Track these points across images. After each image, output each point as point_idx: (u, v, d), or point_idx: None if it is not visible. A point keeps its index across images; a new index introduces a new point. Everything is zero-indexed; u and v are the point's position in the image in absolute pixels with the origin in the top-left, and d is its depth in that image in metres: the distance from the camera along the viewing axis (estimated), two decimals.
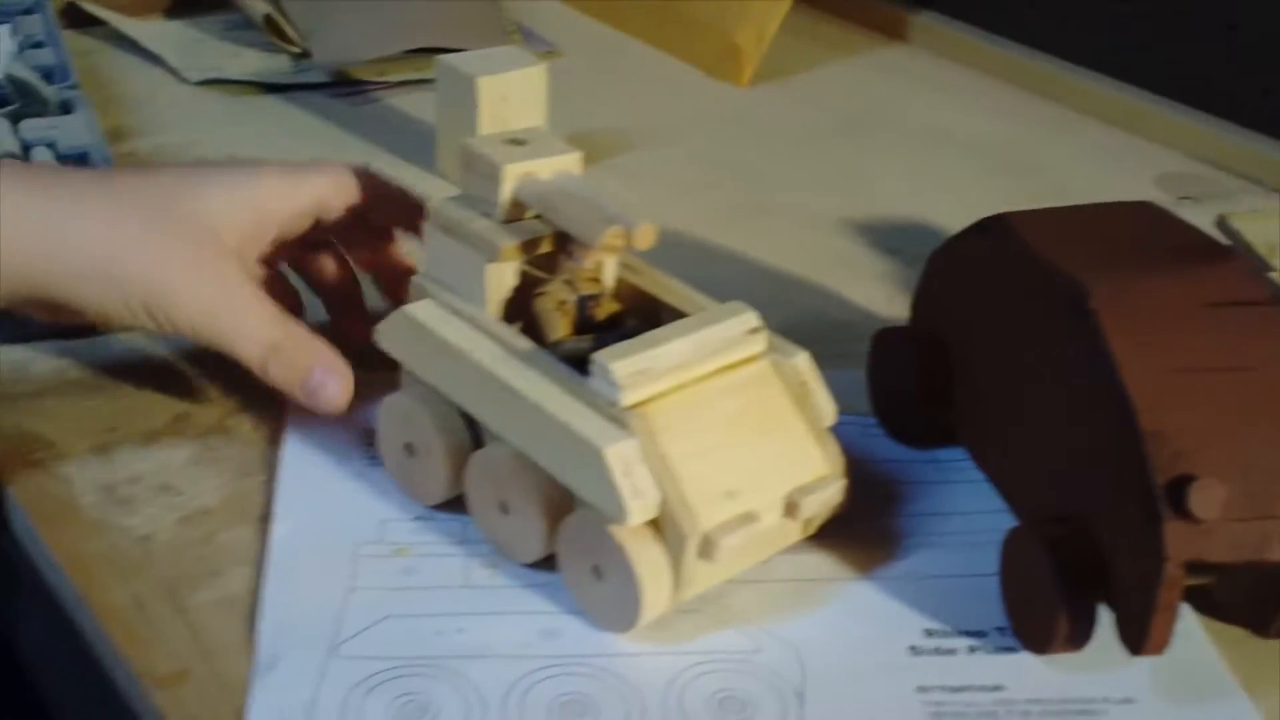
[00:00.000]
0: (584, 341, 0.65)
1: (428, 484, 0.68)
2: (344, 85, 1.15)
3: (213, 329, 0.68)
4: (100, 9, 1.23)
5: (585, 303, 0.66)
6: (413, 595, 0.63)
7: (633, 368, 0.60)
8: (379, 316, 0.69)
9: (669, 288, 0.68)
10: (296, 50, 1.17)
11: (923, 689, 0.60)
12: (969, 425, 0.71)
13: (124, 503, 0.68)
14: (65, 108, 0.98)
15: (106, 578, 0.64)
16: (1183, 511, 0.55)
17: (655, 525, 0.59)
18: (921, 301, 0.74)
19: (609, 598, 0.61)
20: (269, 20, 1.18)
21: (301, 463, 0.71)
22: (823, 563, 0.66)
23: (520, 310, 0.66)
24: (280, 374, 0.69)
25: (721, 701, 0.59)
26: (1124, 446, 0.57)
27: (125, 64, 1.17)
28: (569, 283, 0.66)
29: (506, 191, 0.65)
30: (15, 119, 0.94)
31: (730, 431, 0.62)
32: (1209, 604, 0.63)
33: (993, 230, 0.68)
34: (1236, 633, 0.63)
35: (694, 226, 0.96)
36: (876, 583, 0.65)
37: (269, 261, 0.75)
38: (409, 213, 0.75)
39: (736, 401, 0.62)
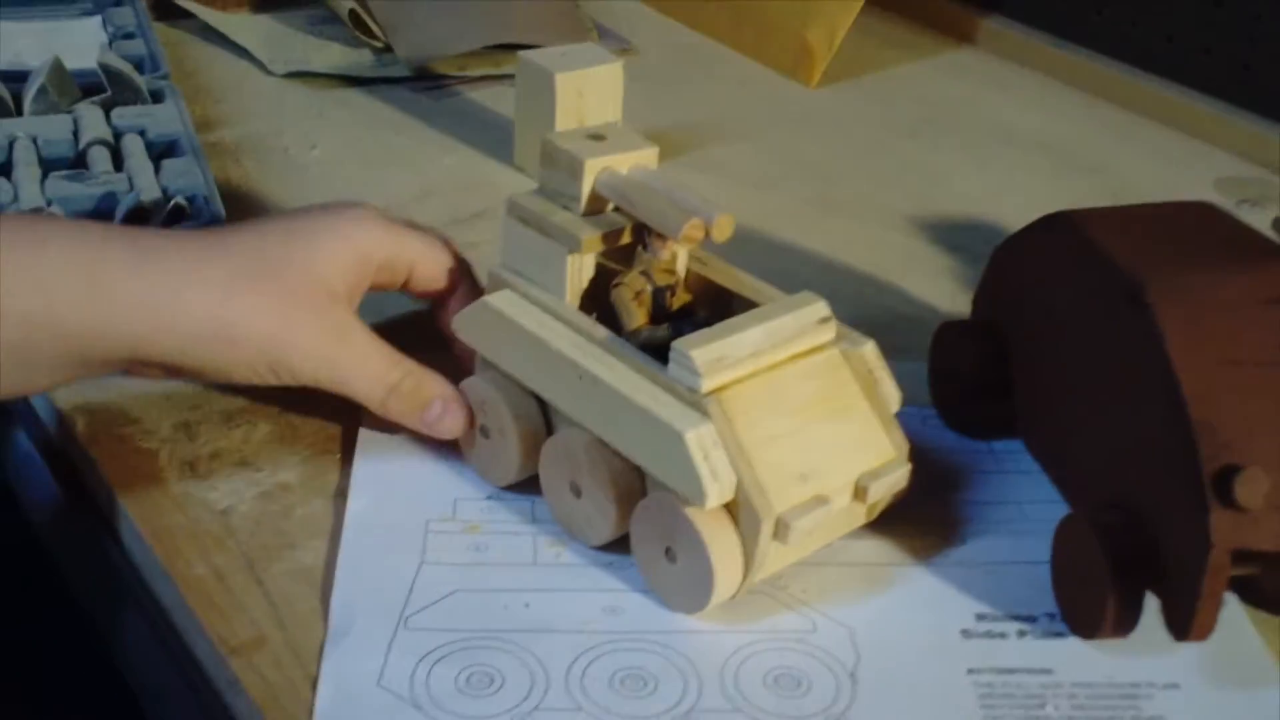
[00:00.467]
0: (660, 330, 0.67)
1: (501, 465, 0.70)
2: (425, 79, 1.17)
3: (334, 378, 0.69)
4: (189, 2, 1.25)
5: (661, 293, 0.68)
6: (482, 571, 0.66)
7: (711, 355, 0.61)
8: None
9: (738, 279, 0.69)
10: (380, 45, 1.19)
11: (973, 671, 0.61)
12: (1025, 416, 0.72)
13: (205, 477, 0.71)
14: (156, 97, 1.00)
15: (188, 550, 0.66)
16: (1229, 500, 0.56)
17: (729, 509, 0.61)
18: (983, 296, 0.76)
19: (681, 579, 0.62)
20: (353, 15, 1.20)
21: (377, 441, 0.73)
22: (880, 548, 0.68)
23: (596, 300, 0.68)
24: (400, 410, 0.70)
25: (777, 679, 0.60)
26: (1173, 436, 0.58)
27: (213, 56, 1.20)
28: (645, 273, 0.67)
29: (587, 185, 0.67)
30: (108, 107, 0.96)
31: (802, 417, 0.63)
32: (1256, 594, 0.64)
33: (1055, 227, 0.70)
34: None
35: (764, 222, 0.97)
36: (931, 568, 0.67)
37: None
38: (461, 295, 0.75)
39: (808, 388, 0.64)
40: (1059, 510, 0.66)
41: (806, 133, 1.14)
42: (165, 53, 1.08)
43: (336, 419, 0.74)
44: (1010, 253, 0.73)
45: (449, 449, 0.72)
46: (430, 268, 0.73)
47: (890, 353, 0.68)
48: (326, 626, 0.62)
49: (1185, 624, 0.58)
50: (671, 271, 0.68)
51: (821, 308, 0.65)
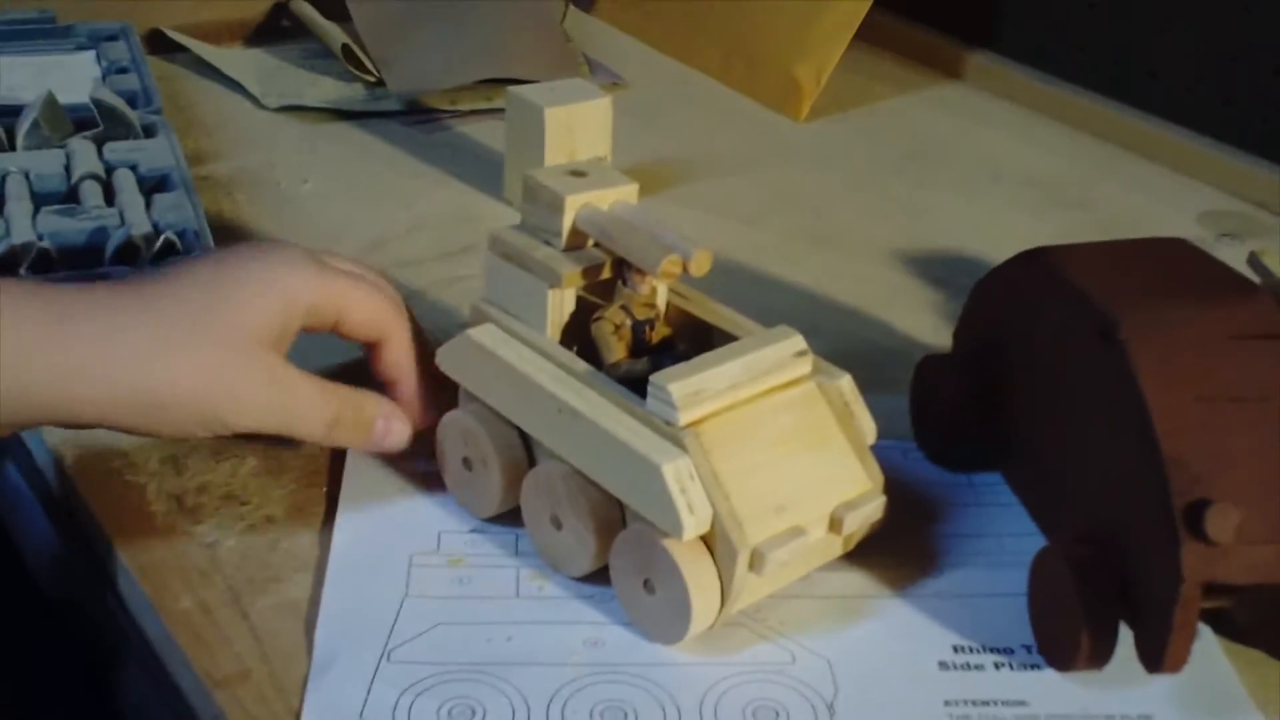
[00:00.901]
0: (639, 364, 0.67)
1: (484, 497, 0.70)
2: (417, 113, 1.18)
3: (273, 424, 0.68)
4: (183, 36, 1.27)
5: (640, 327, 0.68)
6: (465, 604, 0.66)
7: (688, 388, 0.62)
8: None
9: (717, 312, 0.70)
10: (372, 79, 1.20)
11: (950, 702, 0.62)
12: (1004, 450, 0.73)
13: (192, 511, 0.71)
14: (148, 131, 1.00)
15: (174, 584, 0.67)
16: (1200, 534, 0.57)
17: (706, 540, 0.62)
18: (963, 330, 0.76)
19: (660, 610, 0.63)
20: (346, 49, 1.21)
21: (363, 475, 0.73)
22: (859, 579, 0.69)
23: (576, 334, 0.69)
24: (345, 439, 0.70)
25: (755, 710, 0.61)
26: (1146, 471, 0.59)
27: (207, 90, 1.21)
28: (625, 308, 0.68)
29: (568, 221, 0.68)
30: (100, 142, 0.97)
31: (779, 449, 0.64)
32: (1229, 627, 0.65)
33: (1031, 262, 0.71)
34: (1256, 655, 0.65)
35: (751, 256, 0.98)
36: (909, 600, 0.68)
37: None
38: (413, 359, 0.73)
39: (784, 421, 0.65)
40: (1037, 543, 0.67)
41: (794, 167, 1.15)
42: (159, 87, 1.09)
43: (323, 452, 0.75)
44: (988, 287, 0.74)
45: (433, 482, 0.73)
46: (360, 314, 0.71)
47: (873, 386, 0.69)
48: (310, 660, 0.62)
49: (1158, 656, 0.59)
50: (651, 305, 0.69)
51: (798, 341, 0.66)
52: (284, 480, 0.74)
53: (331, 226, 0.99)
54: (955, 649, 0.65)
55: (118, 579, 0.69)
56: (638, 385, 0.64)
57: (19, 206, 0.88)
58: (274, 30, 1.32)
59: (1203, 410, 0.60)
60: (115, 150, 0.96)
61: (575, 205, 0.68)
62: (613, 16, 1.40)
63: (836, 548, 0.66)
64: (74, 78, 1.10)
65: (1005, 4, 1.33)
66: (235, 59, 1.25)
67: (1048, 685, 0.63)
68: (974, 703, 0.62)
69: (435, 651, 0.63)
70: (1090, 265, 0.68)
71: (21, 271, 0.82)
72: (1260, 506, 0.58)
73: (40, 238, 0.84)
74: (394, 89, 1.18)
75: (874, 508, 0.65)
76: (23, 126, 0.97)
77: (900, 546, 0.70)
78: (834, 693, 0.62)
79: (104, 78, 1.11)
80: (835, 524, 0.64)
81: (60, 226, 0.86)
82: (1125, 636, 0.61)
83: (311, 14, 1.28)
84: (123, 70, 1.12)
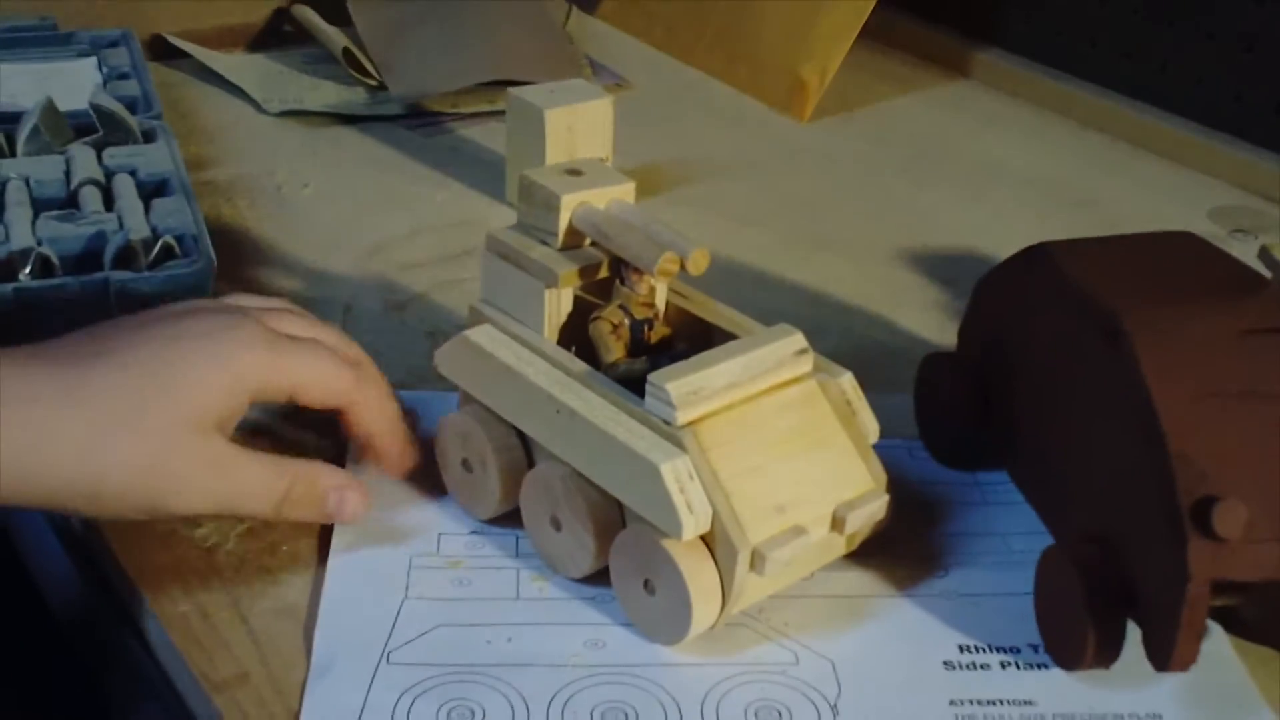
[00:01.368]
0: (638, 364, 0.67)
1: (483, 499, 0.70)
2: (418, 117, 1.17)
3: (219, 507, 0.65)
4: (184, 42, 1.26)
5: (639, 326, 0.68)
6: (464, 605, 0.66)
7: (687, 388, 0.61)
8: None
9: (716, 311, 0.70)
10: (373, 83, 1.20)
11: (955, 702, 0.61)
12: (1009, 448, 0.73)
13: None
14: (148, 137, 1.00)
15: (173, 587, 0.66)
16: (1207, 531, 0.56)
17: (706, 540, 0.61)
18: (967, 329, 0.76)
19: (660, 610, 0.63)
20: (348, 54, 1.21)
21: (363, 478, 0.72)
22: (863, 579, 0.68)
23: (574, 334, 0.69)
24: (298, 514, 0.68)
25: (758, 711, 0.60)
26: (1152, 468, 0.59)
27: (208, 95, 1.21)
28: (623, 307, 0.68)
29: (564, 220, 0.67)
30: (99, 147, 0.97)
31: (779, 448, 0.63)
32: (1238, 624, 0.64)
33: (1034, 259, 0.70)
34: (1266, 652, 0.64)
35: (755, 256, 0.98)
36: (914, 599, 0.67)
37: None
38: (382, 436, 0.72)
39: (785, 419, 0.64)
40: (1043, 541, 0.66)
41: (798, 167, 1.14)
42: (159, 93, 1.09)
43: (323, 455, 0.74)
44: (992, 286, 0.74)
45: (433, 484, 0.72)
46: (315, 390, 0.69)
47: (877, 385, 0.68)
48: (309, 662, 0.62)
49: (1166, 655, 0.58)
50: (649, 305, 0.68)
51: (799, 339, 0.65)
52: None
53: (332, 231, 0.99)
54: (961, 648, 0.64)
55: (116, 582, 0.69)
56: (637, 385, 0.63)
57: (18, 212, 0.87)
58: (275, 35, 1.32)
59: (1209, 406, 0.59)
60: (115, 155, 0.95)
61: (571, 204, 0.67)
62: (616, 18, 1.40)
63: (839, 547, 0.66)
64: (75, 84, 1.10)
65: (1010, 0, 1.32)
66: (237, 64, 1.25)
67: (1055, 684, 0.62)
68: (980, 702, 0.61)
69: (435, 653, 0.63)
70: (1093, 261, 0.68)
71: (22, 276, 0.82)
72: (1268, 503, 0.58)
73: (40, 243, 0.84)
74: (395, 93, 1.17)
75: (876, 507, 0.65)
76: (23, 132, 0.96)
77: (906, 546, 0.69)
78: (838, 693, 0.62)
79: (105, 84, 1.10)
80: (837, 523, 0.63)
81: (59, 232, 0.85)
82: (1133, 635, 0.60)
83: (313, 18, 1.28)
84: (124, 76, 1.12)
